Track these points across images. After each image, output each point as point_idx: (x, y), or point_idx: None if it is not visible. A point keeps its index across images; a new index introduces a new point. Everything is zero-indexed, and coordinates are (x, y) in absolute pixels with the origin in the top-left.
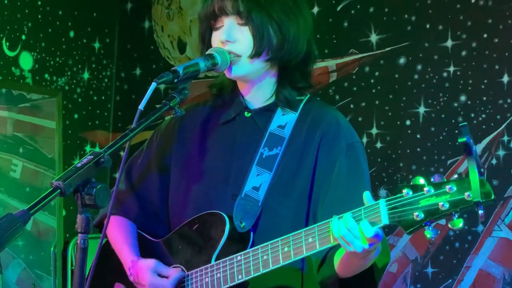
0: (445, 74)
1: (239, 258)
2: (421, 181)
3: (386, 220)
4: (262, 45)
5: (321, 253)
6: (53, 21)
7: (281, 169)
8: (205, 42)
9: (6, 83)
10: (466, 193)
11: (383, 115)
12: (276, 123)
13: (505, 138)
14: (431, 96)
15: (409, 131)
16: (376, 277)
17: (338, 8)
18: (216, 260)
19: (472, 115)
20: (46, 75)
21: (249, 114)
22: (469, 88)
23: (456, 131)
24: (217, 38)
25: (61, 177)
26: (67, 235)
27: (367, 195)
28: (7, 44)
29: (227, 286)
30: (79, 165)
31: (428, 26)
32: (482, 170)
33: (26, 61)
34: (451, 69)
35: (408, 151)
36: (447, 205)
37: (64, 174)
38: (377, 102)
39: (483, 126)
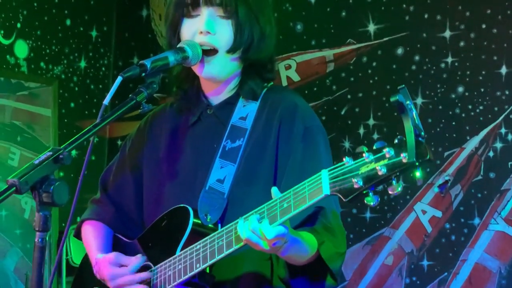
0: (443, 65)
1: (198, 247)
2: (363, 149)
3: (327, 190)
4: (242, 40)
5: None
6: (49, 9)
7: (244, 160)
8: (176, 30)
9: (1, 72)
10: (402, 155)
11: (380, 106)
12: (238, 115)
13: (503, 130)
14: (428, 87)
15: None
16: (330, 266)
17: None
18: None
19: (470, 106)
20: (42, 64)
21: (211, 111)
22: (467, 79)
23: (454, 123)
24: (192, 26)
25: (17, 174)
26: (63, 225)
27: (274, 190)
28: (2, 32)
29: (187, 276)
30: (36, 161)
31: (426, 16)
32: (422, 133)
33: (21, 49)
34: (449, 60)
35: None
36: (384, 169)
37: (22, 171)
38: (374, 93)
39: (481, 118)
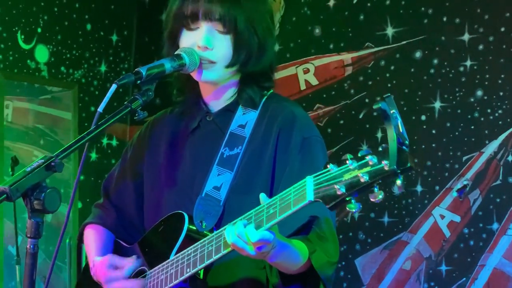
0: (461, 69)
1: (189, 251)
2: (348, 157)
3: (311, 197)
4: (240, 56)
5: None
6: (70, 14)
7: (242, 168)
8: (175, 41)
9: (22, 76)
10: (384, 162)
11: (398, 109)
12: (237, 122)
13: None
14: (447, 90)
15: (424, 126)
16: (320, 275)
17: (355, 1)
18: None
19: (489, 110)
20: (62, 68)
21: (211, 118)
22: (486, 83)
23: (473, 127)
24: (191, 39)
25: (9, 181)
26: None
27: (262, 196)
28: (22, 37)
29: (178, 280)
30: (28, 169)
31: (444, 19)
32: (407, 142)
33: (42, 54)
34: (468, 63)
35: (423, 146)
36: (366, 177)
37: (13, 178)
38: (392, 97)
39: (500, 122)
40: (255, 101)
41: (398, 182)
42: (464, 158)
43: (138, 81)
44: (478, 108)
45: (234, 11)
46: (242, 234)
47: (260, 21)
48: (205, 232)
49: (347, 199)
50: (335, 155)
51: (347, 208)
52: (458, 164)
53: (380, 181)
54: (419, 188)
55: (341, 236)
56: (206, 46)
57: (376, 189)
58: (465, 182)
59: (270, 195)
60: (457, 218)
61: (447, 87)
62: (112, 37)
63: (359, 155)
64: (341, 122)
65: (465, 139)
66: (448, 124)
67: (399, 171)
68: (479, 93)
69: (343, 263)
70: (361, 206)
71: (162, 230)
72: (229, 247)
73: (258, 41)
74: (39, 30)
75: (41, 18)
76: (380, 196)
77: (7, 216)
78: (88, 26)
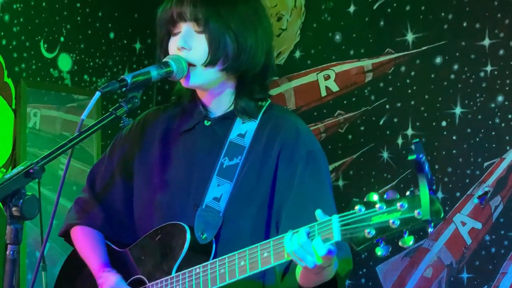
0: (482, 74)
1: (197, 270)
2: (375, 197)
3: (338, 237)
4: (217, 54)
5: (285, 263)
6: (93, 22)
7: (241, 179)
8: (163, 47)
9: (44, 85)
10: (416, 211)
11: (419, 116)
12: (236, 131)
13: None
14: (467, 96)
15: (445, 132)
16: (339, 286)
17: (375, 7)
18: (177, 271)
19: (510, 116)
20: (86, 76)
21: (209, 123)
22: (507, 88)
23: (494, 133)
24: (174, 44)
25: None
26: None
27: (318, 212)
28: (45, 46)
29: None
30: (7, 175)
31: (465, 24)
32: (434, 187)
33: (65, 62)
34: (488, 68)
35: (444, 152)
36: (397, 223)
37: None
38: (412, 103)
39: None
40: (251, 113)
41: (429, 230)
42: (485, 164)
43: (124, 88)
44: (499, 114)
45: (206, 9)
46: (307, 244)
47: (239, 19)
48: (205, 243)
49: (375, 242)
50: (355, 161)
51: (375, 252)
52: (479, 171)
53: (410, 228)
54: (440, 195)
55: None
56: (182, 46)
57: (406, 235)
58: (486, 189)
59: (269, 208)
60: (478, 225)
61: (467, 93)
62: (135, 45)
63: (385, 197)
64: (362, 128)
65: (486, 145)
66: (469, 130)
67: (431, 220)
68: (500, 98)
69: (364, 270)
70: (390, 249)
71: (160, 240)
72: (245, 273)
73: (235, 38)
74: (62, 39)
75: (64, 27)
76: (411, 243)
77: (33, 222)
78: (111, 35)
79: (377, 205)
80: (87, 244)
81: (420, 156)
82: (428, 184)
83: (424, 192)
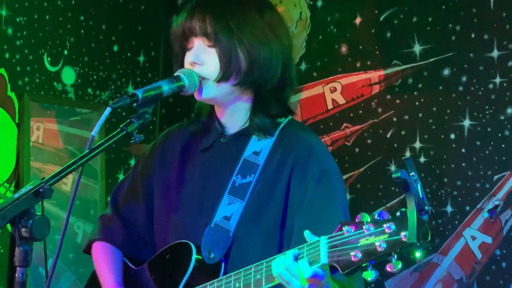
0: (491, 86)
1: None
2: (365, 218)
3: (325, 259)
4: (229, 69)
5: None
6: (97, 35)
7: (253, 198)
8: (178, 62)
9: (48, 98)
10: (402, 234)
11: (427, 128)
12: (251, 149)
13: None
14: (476, 108)
15: (453, 145)
16: None
17: (381, 18)
18: None
19: None
20: (89, 90)
21: (225, 140)
22: None
23: (503, 145)
24: (187, 59)
25: None
26: None
27: (307, 233)
28: (49, 59)
29: None
30: (16, 195)
31: (473, 35)
32: (426, 208)
33: (69, 76)
34: (497, 80)
35: (453, 166)
36: (384, 246)
37: (0, 205)
38: (420, 115)
39: None
40: (266, 130)
41: (417, 254)
42: (495, 177)
43: (134, 104)
44: (508, 126)
45: (215, 23)
46: (292, 267)
47: (249, 30)
48: (212, 263)
49: (363, 265)
50: (362, 175)
51: (363, 276)
52: (488, 184)
53: (398, 251)
54: (449, 209)
55: None
56: (194, 61)
57: (394, 259)
58: (497, 202)
59: (281, 228)
60: (489, 239)
61: (476, 105)
62: (139, 58)
63: (375, 216)
64: (369, 141)
65: (496, 158)
66: (478, 143)
67: (418, 244)
68: (510, 110)
69: (373, 285)
70: (377, 274)
71: (169, 258)
72: None
73: (246, 51)
74: (65, 52)
75: (67, 40)
76: (399, 267)
77: None
78: (115, 47)
79: (364, 227)
80: (104, 262)
81: (412, 174)
82: (418, 205)
83: (411, 213)
